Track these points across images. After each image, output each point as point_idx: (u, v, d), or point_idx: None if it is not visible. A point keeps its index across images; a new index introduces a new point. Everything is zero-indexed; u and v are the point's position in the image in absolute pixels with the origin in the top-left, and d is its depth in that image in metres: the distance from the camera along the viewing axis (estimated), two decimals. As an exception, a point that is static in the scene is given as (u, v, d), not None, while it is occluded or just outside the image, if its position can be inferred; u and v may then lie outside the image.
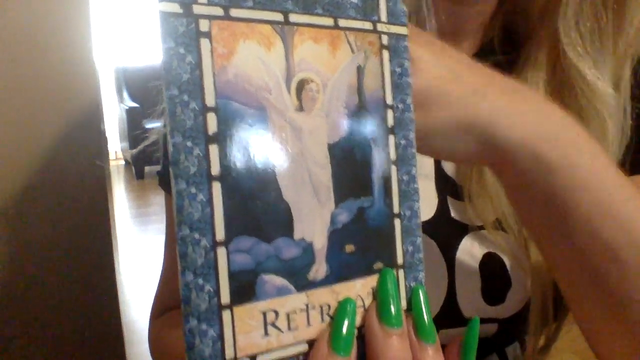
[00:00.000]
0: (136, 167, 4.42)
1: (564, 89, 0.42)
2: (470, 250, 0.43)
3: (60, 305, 0.80)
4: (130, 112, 4.11)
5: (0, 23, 0.70)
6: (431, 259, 0.42)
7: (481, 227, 0.43)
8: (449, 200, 0.44)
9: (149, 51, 4.66)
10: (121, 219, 3.27)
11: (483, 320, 0.44)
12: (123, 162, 5.28)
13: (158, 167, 0.59)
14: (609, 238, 0.30)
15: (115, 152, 5.00)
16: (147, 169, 4.47)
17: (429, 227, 0.43)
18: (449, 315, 0.43)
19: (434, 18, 0.42)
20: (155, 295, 0.56)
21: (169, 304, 0.55)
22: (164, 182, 0.54)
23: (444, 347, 0.29)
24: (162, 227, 0.56)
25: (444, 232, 0.43)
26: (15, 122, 0.73)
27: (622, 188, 0.31)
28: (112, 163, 5.05)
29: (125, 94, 4.38)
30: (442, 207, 0.44)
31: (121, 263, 2.27)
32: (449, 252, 0.43)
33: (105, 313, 0.83)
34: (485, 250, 0.43)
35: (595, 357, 0.36)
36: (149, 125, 3.85)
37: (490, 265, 0.43)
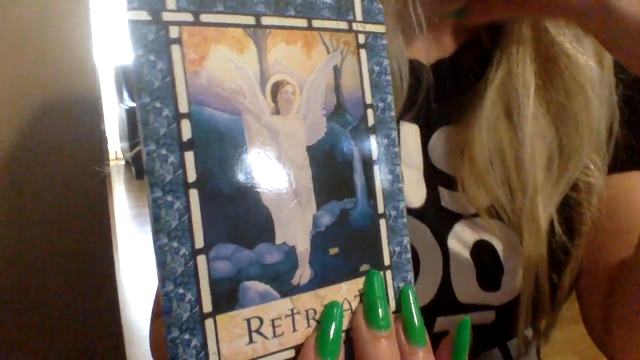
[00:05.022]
0: (136, 167, 4.41)
1: (550, 64, 0.42)
2: (461, 237, 0.43)
3: (60, 305, 0.80)
4: (130, 112, 4.09)
5: (0, 23, 0.70)
6: (425, 244, 0.42)
7: (474, 215, 0.43)
8: (440, 189, 0.44)
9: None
10: (121, 219, 3.26)
11: (480, 307, 0.43)
12: (123, 162, 5.28)
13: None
14: None
15: (115, 152, 4.99)
16: (147, 168, 4.46)
17: (419, 215, 0.43)
18: (445, 301, 0.43)
19: (420, 11, 0.41)
20: (155, 295, 0.56)
21: None
22: None
23: (435, 344, 0.28)
24: (162, 227, 0.55)
25: (435, 219, 0.43)
26: (15, 121, 0.73)
27: None
28: (112, 163, 5.05)
29: (125, 94, 4.37)
30: (433, 197, 0.43)
31: (121, 263, 2.27)
32: (440, 237, 0.43)
33: (105, 313, 0.83)
34: (477, 238, 0.43)
35: (595, 357, 0.36)
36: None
37: (482, 253, 0.43)
